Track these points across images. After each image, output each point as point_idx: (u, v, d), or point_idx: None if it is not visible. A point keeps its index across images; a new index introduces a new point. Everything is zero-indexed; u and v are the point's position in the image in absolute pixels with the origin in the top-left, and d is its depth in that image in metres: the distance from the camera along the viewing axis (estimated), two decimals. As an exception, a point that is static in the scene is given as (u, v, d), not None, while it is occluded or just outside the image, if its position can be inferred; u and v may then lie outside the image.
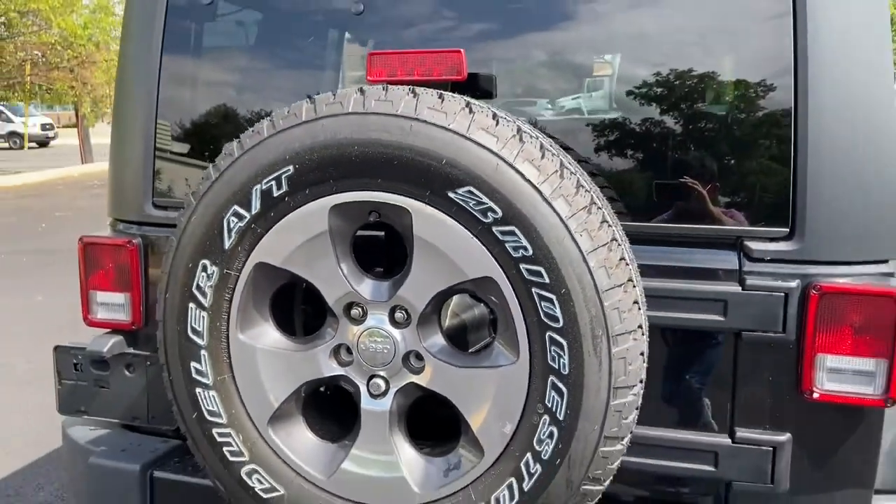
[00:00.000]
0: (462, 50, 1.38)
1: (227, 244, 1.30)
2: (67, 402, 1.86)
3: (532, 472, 1.22)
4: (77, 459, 1.81)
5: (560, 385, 1.19)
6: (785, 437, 1.43)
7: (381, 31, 1.67)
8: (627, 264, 1.21)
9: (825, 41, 1.37)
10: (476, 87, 1.46)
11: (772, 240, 1.41)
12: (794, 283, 1.39)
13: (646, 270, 1.41)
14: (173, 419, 1.68)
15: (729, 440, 1.45)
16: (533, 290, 1.18)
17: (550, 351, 1.19)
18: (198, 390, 1.37)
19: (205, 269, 1.32)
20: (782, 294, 1.38)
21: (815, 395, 1.40)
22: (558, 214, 1.16)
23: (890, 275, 1.42)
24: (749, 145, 1.46)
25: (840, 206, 1.39)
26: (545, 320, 1.18)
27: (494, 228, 1.18)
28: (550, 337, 1.18)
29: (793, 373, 1.41)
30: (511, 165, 1.17)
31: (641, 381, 1.23)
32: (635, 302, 1.20)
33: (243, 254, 1.31)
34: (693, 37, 1.50)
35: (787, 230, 1.41)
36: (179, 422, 1.42)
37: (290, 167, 1.25)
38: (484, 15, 1.60)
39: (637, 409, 1.24)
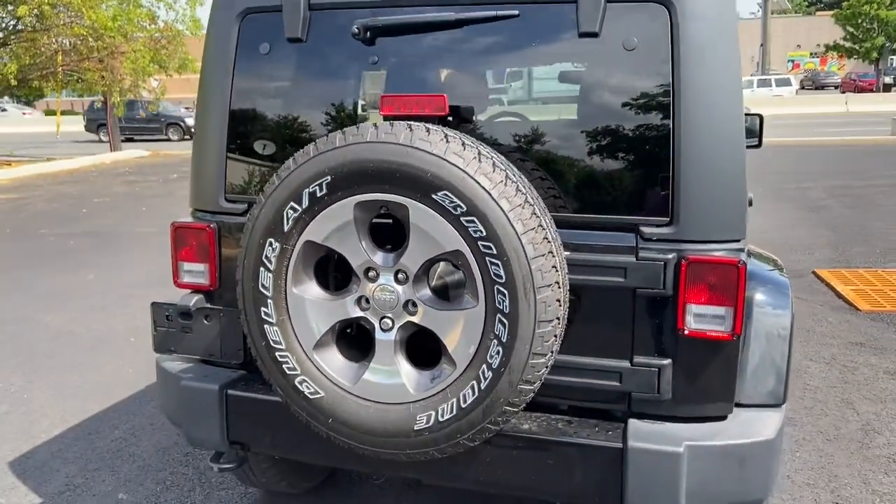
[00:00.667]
0: (445, 95, 2.02)
1: (285, 228, 1.95)
2: (161, 344, 2.52)
3: (486, 376, 1.86)
4: (170, 384, 2.47)
5: (504, 319, 1.83)
6: (667, 361, 2.06)
7: (390, 77, 2.30)
8: (549, 242, 1.84)
9: (692, 91, 1.98)
10: (456, 117, 2.10)
11: (657, 226, 2.03)
12: (671, 256, 2.01)
13: (574, 246, 2.04)
14: (238, 354, 2.35)
15: (629, 364, 2.08)
16: (486, 258, 1.82)
17: (497, 298, 1.82)
18: (265, 326, 2.02)
19: (271, 245, 1.97)
20: (663, 263, 2.01)
21: (686, 332, 2.02)
22: (502, 210, 1.79)
23: (739, 250, 2.04)
24: (644, 161, 2.07)
25: (703, 203, 2.01)
26: (494, 278, 1.82)
27: (462, 218, 1.81)
28: (497, 288, 1.82)
29: (671, 317, 2.03)
30: (472, 177, 1.80)
31: (558, 319, 1.86)
32: (553, 266, 1.83)
33: (296, 234, 1.96)
34: (606, 88, 2.12)
35: (668, 220, 2.03)
36: (253, 349, 2.07)
37: (329, 177, 1.89)
38: (457, 67, 2.25)
39: (555, 336, 1.87)
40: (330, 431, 2.02)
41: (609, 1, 2.00)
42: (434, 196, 1.82)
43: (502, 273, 1.80)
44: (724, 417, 2.10)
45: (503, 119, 2.26)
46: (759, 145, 4.39)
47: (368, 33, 2.18)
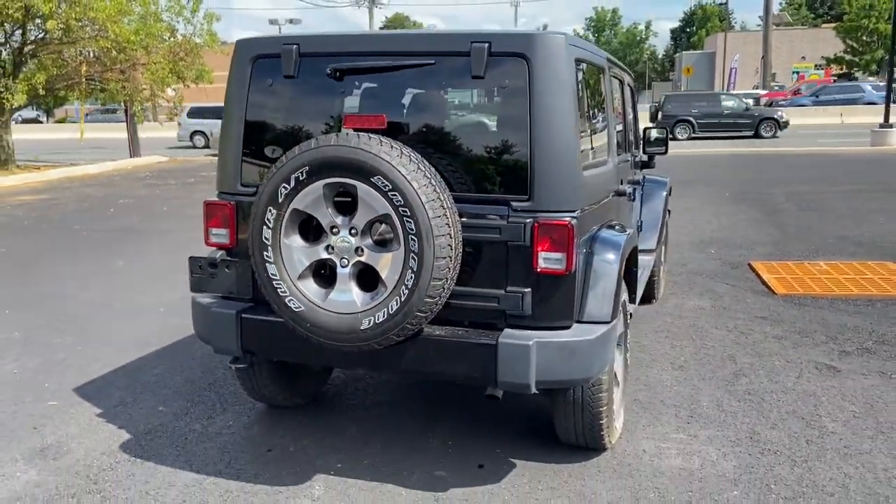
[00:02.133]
0: (384, 115, 3.12)
1: (280, 200, 3.05)
2: (195, 285, 3.61)
3: (404, 293, 2.95)
4: (202, 311, 3.56)
5: (415, 256, 2.91)
6: (528, 289, 3.13)
7: (352, 102, 3.41)
8: (444, 208, 2.93)
9: (540, 114, 3.07)
10: (391, 129, 3.19)
11: (520, 201, 3.11)
12: (529, 220, 3.09)
13: (471, 213, 3.12)
14: (248, 291, 3.44)
15: (504, 292, 3.16)
16: (404, 218, 2.90)
17: (411, 243, 2.91)
18: (267, 265, 3.11)
19: (270, 211, 3.07)
20: (523, 225, 3.08)
21: (538, 270, 3.10)
22: (413, 188, 2.88)
23: (574, 217, 3.11)
24: (512, 160, 3.15)
25: (547, 187, 3.09)
26: (409, 230, 2.90)
27: (389, 193, 2.90)
28: (411, 237, 2.91)
29: (529, 260, 3.11)
30: (395, 167, 2.89)
31: (450, 257, 2.94)
32: (446, 223, 2.92)
33: (286, 204, 3.05)
34: (488, 111, 3.22)
35: (527, 197, 3.11)
36: (259, 280, 3.15)
37: (307, 167, 2.98)
38: (395, 95, 3.36)
39: (449, 268, 2.96)
40: (308, 333, 3.12)
41: (490, 56, 3.10)
42: (372, 179, 2.92)
43: (413, 227, 2.90)
44: (568, 327, 3.19)
45: (423, 130, 3.34)
46: (664, 152, 5.50)
47: (338, 73, 3.30)
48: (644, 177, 6.18)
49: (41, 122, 52.40)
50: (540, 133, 3.08)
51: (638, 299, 4.67)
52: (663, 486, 3.41)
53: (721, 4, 73.37)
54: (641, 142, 5.59)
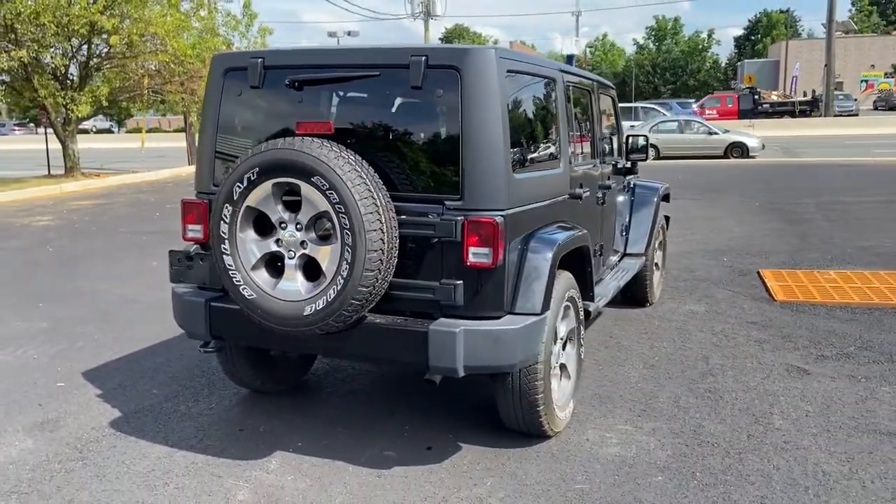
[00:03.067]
0: (331, 121, 3.44)
1: (235, 198, 3.39)
2: (174, 276, 3.99)
3: (340, 283, 3.25)
4: (177, 300, 3.94)
5: (349, 249, 3.21)
6: (459, 282, 3.40)
7: (307, 109, 3.73)
8: (376, 205, 3.22)
9: (470, 122, 3.35)
10: (339, 134, 3.50)
11: (453, 200, 3.39)
12: (460, 218, 3.35)
13: (410, 211, 3.41)
14: (219, 282, 3.79)
15: (438, 283, 3.43)
16: (340, 215, 3.21)
17: (345, 237, 3.22)
18: (224, 256, 3.46)
19: (227, 207, 3.41)
20: (455, 222, 3.36)
21: (468, 264, 3.36)
22: (347, 186, 3.18)
23: (501, 216, 3.37)
24: (447, 164, 3.43)
25: (476, 188, 3.36)
26: (343, 225, 3.21)
27: (327, 191, 3.21)
28: (345, 231, 3.21)
29: (460, 254, 3.38)
30: (332, 168, 3.20)
31: (381, 251, 3.23)
32: (377, 219, 3.21)
33: (241, 201, 3.39)
34: (426, 118, 3.51)
35: (459, 197, 3.38)
36: (218, 271, 3.51)
37: (258, 167, 3.32)
38: (343, 103, 3.68)
39: (381, 261, 3.24)
40: (260, 319, 3.45)
41: (427, 67, 3.39)
42: (313, 179, 3.23)
43: (348, 223, 3.20)
44: (499, 317, 3.44)
45: (369, 135, 3.63)
46: (645, 159, 5.70)
47: (296, 84, 3.63)
48: (635, 183, 6.36)
49: (113, 133, 54.89)
50: (469, 138, 3.36)
51: (602, 300, 4.86)
52: (593, 471, 3.62)
53: (783, 11, 71.87)
54: (625, 149, 5.78)
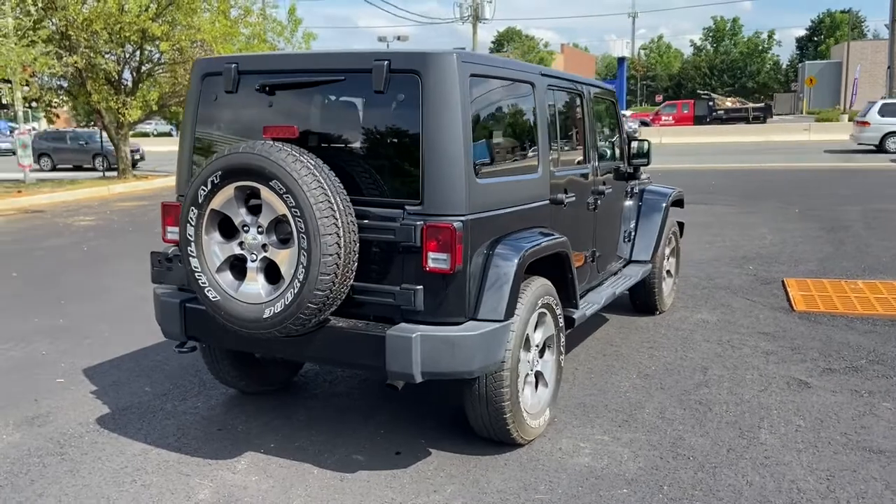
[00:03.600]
0: (295, 126, 3.46)
1: (200, 201, 3.44)
2: (155, 277, 4.06)
3: (296, 286, 3.26)
4: (156, 300, 4.02)
5: (305, 253, 3.22)
6: (419, 287, 3.38)
7: (276, 113, 3.76)
8: (332, 209, 3.23)
9: (429, 127, 3.33)
10: (304, 138, 3.52)
11: (413, 205, 3.38)
12: (420, 223, 3.34)
13: (372, 216, 3.41)
14: (195, 283, 3.84)
15: (399, 288, 3.42)
16: (296, 219, 3.23)
17: (301, 241, 3.23)
18: (190, 258, 3.51)
19: (192, 211, 3.46)
20: (414, 227, 3.34)
21: (427, 269, 3.35)
22: (303, 191, 3.20)
23: (461, 221, 3.34)
24: (407, 168, 3.42)
25: (436, 194, 3.34)
26: (300, 229, 3.22)
27: (284, 195, 3.24)
28: (301, 235, 3.22)
29: (420, 259, 3.36)
30: (289, 173, 3.22)
31: (337, 254, 3.24)
32: (333, 223, 3.22)
33: (206, 205, 3.44)
34: (388, 123, 3.50)
35: (419, 202, 3.37)
36: (186, 272, 3.56)
37: (220, 171, 3.36)
38: (310, 107, 3.69)
39: (337, 265, 3.25)
40: (224, 320, 3.49)
41: (390, 72, 3.38)
42: (271, 183, 3.26)
43: (303, 226, 3.22)
44: (459, 323, 3.41)
45: (333, 139, 3.64)
46: (647, 163, 5.59)
47: (266, 88, 3.67)
48: (643, 188, 6.24)
49: (172, 136, 56.29)
50: (429, 143, 3.34)
51: (592, 308, 4.77)
52: (557, 481, 3.55)
53: (844, 11, 69.63)
54: (626, 154, 5.68)
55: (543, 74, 4.25)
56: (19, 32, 17.91)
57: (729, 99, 51.88)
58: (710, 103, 45.47)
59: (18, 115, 23.50)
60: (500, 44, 76.31)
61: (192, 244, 3.50)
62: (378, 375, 3.51)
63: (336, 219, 3.25)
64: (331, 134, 3.61)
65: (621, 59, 53.74)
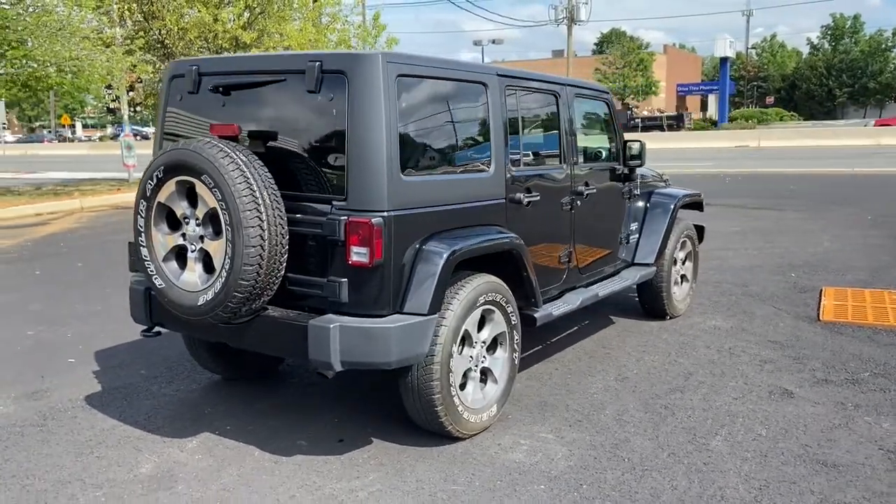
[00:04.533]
0: (236, 124, 3.66)
1: (147, 194, 3.69)
2: (131, 266, 4.33)
3: (224, 276, 3.45)
4: (130, 285, 4.31)
5: (231, 244, 3.41)
6: (344, 280, 3.51)
7: (226, 111, 3.97)
8: (256, 203, 3.41)
9: (355, 126, 3.45)
10: (247, 135, 3.72)
11: (339, 201, 3.51)
12: (344, 218, 3.47)
13: (302, 210, 3.57)
14: (162, 272, 4.12)
15: (326, 280, 3.56)
16: (223, 211, 3.42)
17: (227, 233, 3.42)
18: (141, 248, 3.77)
19: (142, 203, 3.72)
20: (339, 222, 3.47)
21: (350, 262, 3.47)
22: (229, 185, 3.39)
23: (382, 217, 3.44)
24: (335, 165, 3.55)
25: (359, 191, 3.45)
26: (226, 221, 3.41)
27: (213, 189, 3.43)
28: (227, 227, 3.42)
29: (344, 253, 3.49)
30: (217, 168, 3.41)
31: (261, 246, 3.41)
32: (257, 216, 3.39)
33: (153, 198, 3.69)
34: (320, 121, 3.64)
35: (344, 198, 3.49)
36: (137, 261, 3.82)
37: (163, 167, 3.60)
38: (254, 106, 3.88)
39: (260, 256, 3.42)
40: (169, 307, 3.73)
41: (321, 73, 3.53)
42: (202, 177, 3.47)
43: (229, 219, 3.41)
44: (383, 315, 3.52)
45: (271, 137, 3.78)
46: (641, 164, 5.52)
47: (220, 89, 3.89)
48: (652, 191, 6.14)
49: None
50: (354, 141, 3.47)
51: (563, 308, 4.75)
52: (479, 474, 3.60)
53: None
54: (622, 155, 5.61)
55: (501, 75, 4.28)
56: (119, 41, 19.19)
57: (646, 109, 56.71)
58: (629, 112, 48.88)
59: (124, 118, 25.15)
60: (600, 45, 75.21)
61: (143, 234, 3.75)
62: (307, 364, 3.65)
63: (260, 212, 3.42)
64: (271, 131, 3.78)
65: (724, 60, 51.90)
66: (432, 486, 3.50)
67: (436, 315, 3.61)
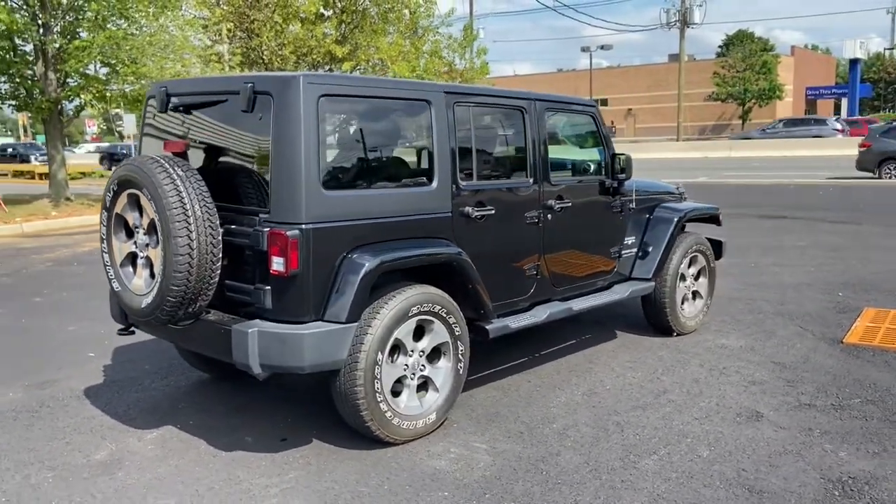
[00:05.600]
0: (183, 141, 3.97)
1: (108, 205, 4.05)
2: (118, 270, 4.77)
3: (159, 281, 3.75)
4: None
5: (164, 251, 3.70)
6: (268, 287, 3.73)
7: (183, 128, 4.28)
8: (187, 216, 3.68)
9: (278, 144, 3.67)
10: (194, 152, 4.01)
11: (264, 214, 3.74)
12: (267, 229, 3.70)
13: (235, 221, 3.83)
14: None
15: (254, 287, 3.80)
16: (159, 221, 3.72)
17: (162, 241, 3.72)
18: (104, 254, 4.14)
19: (104, 213, 4.08)
20: (262, 233, 3.70)
21: (272, 271, 3.69)
22: (162, 198, 3.68)
23: (298, 229, 3.63)
24: (261, 180, 3.78)
25: (280, 201, 3.67)
26: (161, 230, 3.71)
27: (151, 202, 3.75)
28: (165, 235, 3.71)
29: (267, 262, 3.71)
30: (154, 182, 3.71)
31: (189, 255, 3.68)
32: (185, 227, 3.66)
33: (112, 208, 4.04)
34: (251, 138, 3.88)
35: (268, 211, 3.72)
36: (103, 265, 4.20)
37: (117, 180, 3.96)
38: (202, 123, 4.17)
39: (189, 264, 3.69)
40: (125, 309, 4.08)
41: (254, 94, 3.78)
42: (143, 190, 3.79)
43: (162, 229, 3.71)
44: (304, 322, 3.72)
45: (213, 154, 4.06)
46: (627, 177, 5.49)
47: (181, 107, 4.22)
48: (655, 205, 6.04)
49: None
50: (276, 157, 3.70)
51: (524, 321, 4.78)
52: (393, 478, 3.72)
53: None
54: (610, 169, 5.56)
55: (449, 92, 4.39)
56: (227, 58, 20.41)
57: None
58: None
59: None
60: (726, 47, 72.53)
61: (105, 242, 4.12)
62: (232, 365, 3.91)
63: (188, 223, 3.70)
64: (215, 147, 4.07)
65: (854, 62, 48.95)
66: (343, 487, 3.66)
67: (355, 323, 3.77)
